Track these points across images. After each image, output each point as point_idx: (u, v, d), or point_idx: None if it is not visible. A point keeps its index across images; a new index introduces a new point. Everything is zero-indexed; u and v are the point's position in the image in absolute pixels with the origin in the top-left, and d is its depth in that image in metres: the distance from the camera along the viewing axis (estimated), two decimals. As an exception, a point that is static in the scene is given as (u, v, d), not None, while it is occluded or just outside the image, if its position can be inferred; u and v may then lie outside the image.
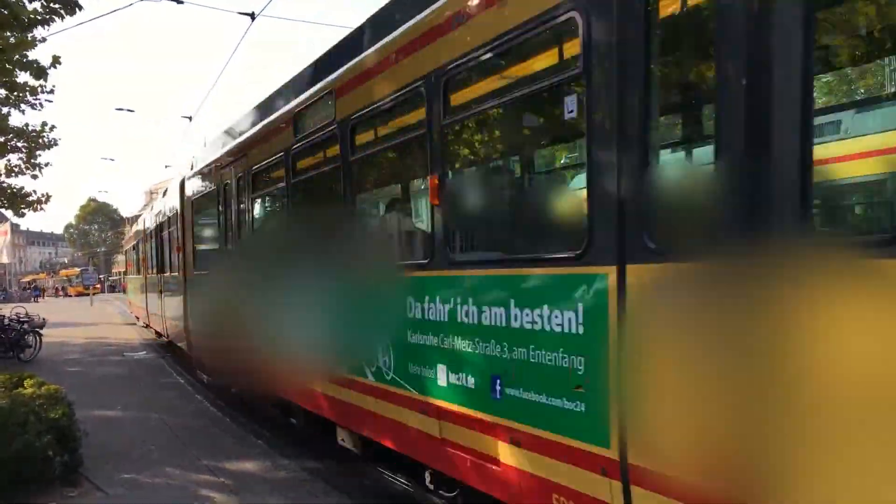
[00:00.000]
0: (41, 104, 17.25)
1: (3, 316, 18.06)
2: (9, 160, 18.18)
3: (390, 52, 5.53)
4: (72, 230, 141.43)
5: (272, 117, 8.11)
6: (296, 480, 6.75)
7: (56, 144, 18.40)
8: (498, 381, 4.42)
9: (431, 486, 5.66)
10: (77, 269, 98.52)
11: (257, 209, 9.17)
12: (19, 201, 18.31)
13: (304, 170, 7.53)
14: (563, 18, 3.87)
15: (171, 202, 15.05)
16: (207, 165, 11.12)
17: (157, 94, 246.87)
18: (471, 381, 4.67)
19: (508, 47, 4.36)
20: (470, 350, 4.64)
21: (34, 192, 18.78)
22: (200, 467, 7.17)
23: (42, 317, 19.56)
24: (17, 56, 10.00)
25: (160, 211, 17.45)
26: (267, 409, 9.43)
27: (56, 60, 11.86)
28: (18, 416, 6.47)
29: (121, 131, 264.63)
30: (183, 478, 6.83)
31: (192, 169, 12.57)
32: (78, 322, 31.48)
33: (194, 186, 12.24)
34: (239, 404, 10.67)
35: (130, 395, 11.77)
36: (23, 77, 13.02)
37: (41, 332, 17.92)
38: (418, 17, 5.17)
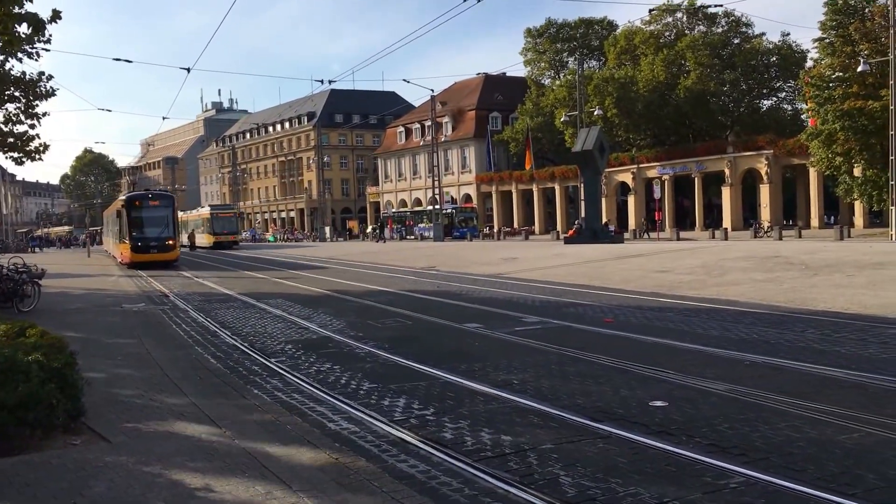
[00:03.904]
0: (38, 54, 17.06)
1: (2, 266, 18.07)
2: (6, 109, 18.03)
3: None
4: (68, 181, 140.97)
5: None
6: (296, 429, 6.85)
7: (54, 94, 18.26)
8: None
9: None
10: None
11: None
12: (21, 145, 18.18)
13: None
14: None
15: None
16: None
17: (156, 45, 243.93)
18: None
19: None
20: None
21: (37, 136, 18.66)
22: (202, 417, 7.29)
23: (41, 267, 19.63)
24: (14, 8, 9.72)
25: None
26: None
27: (56, 15, 11.55)
28: (21, 364, 6.55)
29: (118, 82, 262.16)
30: (185, 427, 6.95)
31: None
32: (76, 273, 31.59)
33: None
34: (236, 356, 10.79)
35: (130, 346, 11.89)
36: (20, 29, 12.79)
37: (40, 282, 17.98)
38: None
